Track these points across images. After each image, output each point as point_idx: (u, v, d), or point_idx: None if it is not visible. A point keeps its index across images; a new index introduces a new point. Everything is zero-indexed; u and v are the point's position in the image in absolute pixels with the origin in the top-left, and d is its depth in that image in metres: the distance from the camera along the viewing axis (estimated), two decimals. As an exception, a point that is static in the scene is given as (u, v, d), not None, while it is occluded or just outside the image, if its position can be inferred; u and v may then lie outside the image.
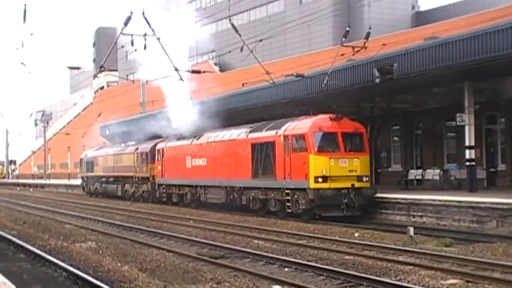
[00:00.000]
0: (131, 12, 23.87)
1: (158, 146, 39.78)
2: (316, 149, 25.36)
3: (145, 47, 24.64)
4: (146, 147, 42.15)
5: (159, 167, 39.23)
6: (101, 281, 13.31)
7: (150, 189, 41.07)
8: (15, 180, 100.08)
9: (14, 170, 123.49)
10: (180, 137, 37.49)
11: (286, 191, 26.58)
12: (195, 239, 21.18)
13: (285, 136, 26.78)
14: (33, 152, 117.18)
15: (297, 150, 26.06)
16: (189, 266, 15.62)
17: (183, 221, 28.08)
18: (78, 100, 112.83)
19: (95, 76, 26.09)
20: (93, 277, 13.84)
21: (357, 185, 25.53)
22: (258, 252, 17.58)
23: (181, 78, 26.56)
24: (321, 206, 25.22)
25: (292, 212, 26.37)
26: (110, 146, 52.63)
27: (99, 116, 61.60)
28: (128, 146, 46.22)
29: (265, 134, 28.51)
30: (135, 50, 25.07)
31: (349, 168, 25.59)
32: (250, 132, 29.92)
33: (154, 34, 24.09)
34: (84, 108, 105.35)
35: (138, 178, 43.01)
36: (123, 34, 24.85)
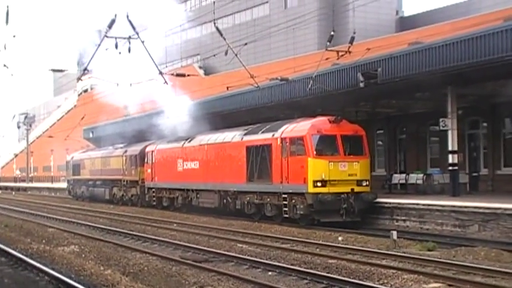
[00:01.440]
0: (115, 15, 23.90)
1: (148, 149, 38.90)
2: (315, 152, 24.62)
3: (129, 50, 24.62)
4: (135, 149, 41.28)
5: (149, 170, 38.32)
6: (83, 285, 13.26)
7: (139, 193, 40.18)
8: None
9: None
10: (170, 140, 36.69)
11: (283, 195, 25.79)
12: (179, 242, 21.16)
13: (282, 139, 26.05)
14: (16, 155, 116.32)
15: (294, 154, 25.33)
16: (173, 270, 15.59)
17: (166, 224, 28.05)
18: (61, 103, 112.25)
19: (78, 79, 25.99)
20: (75, 281, 13.76)
21: (357, 189, 24.85)
22: (242, 256, 17.60)
23: (165, 82, 26.54)
24: (319, 211, 24.49)
25: (290, 217, 25.56)
26: (98, 148, 51.73)
27: (82, 118, 60.83)
28: (116, 149, 45.25)
29: (261, 137, 27.77)
30: (119, 53, 25.02)
31: (348, 172, 24.90)
32: (245, 134, 29.12)
33: (138, 37, 24.08)
34: (68, 111, 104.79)
35: (127, 181, 42.10)
36: (107, 37, 24.80)
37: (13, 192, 74.68)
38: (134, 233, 24.66)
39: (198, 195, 32.94)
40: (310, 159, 24.51)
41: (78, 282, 13.56)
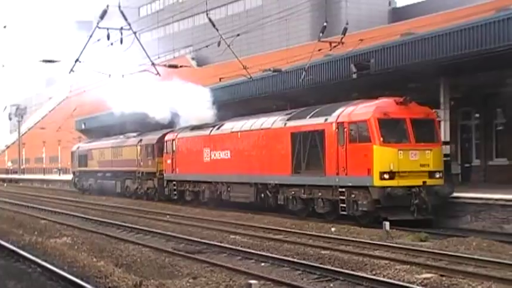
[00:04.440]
0: (107, 6, 23.90)
1: (167, 137, 34.98)
2: (381, 139, 20.74)
3: (121, 41, 24.60)
4: (152, 138, 37.45)
5: (169, 161, 34.32)
6: (76, 277, 13.19)
7: (157, 186, 36.34)
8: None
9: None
10: (194, 127, 33.18)
11: (340, 189, 21.97)
12: (172, 234, 21.14)
13: (338, 124, 22.05)
14: (7, 147, 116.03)
15: (355, 141, 21.44)
16: (166, 261, 15.60)
17: (159, 216, 28.02)
18: (53, 94, 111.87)
19: (70, 70, 25.93)
20: (68, 273, 13.73)
21: (429, 182, 20.94)
22: (235, 247, 17.60)
23: (158, 73, 26.51)
24: (387, 208, 20.66)
25: (348, 215, 21.84)
26: (106, 137, 47.05)
27: (74, 110, 60.31)
28: (129, 138, 41.47)
29: (310, 122, 23.84)
30: (111, 44, 24.98)
31: (420, 162, 21.07)
32: (289, 119, 25.33)
33: (130, 28, 24.05)
34: (60, 103, 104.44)
35: (142, 173, 38.22)
36: (99, 28, 24.75)
37: (5, 184, 74.43)
38: (127, 224, 24.62)
39: (229, 189, 28.93)
40: (376, 147, 20.68)
41: (71, 274, 13.51)
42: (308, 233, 20.42)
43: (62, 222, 26.16)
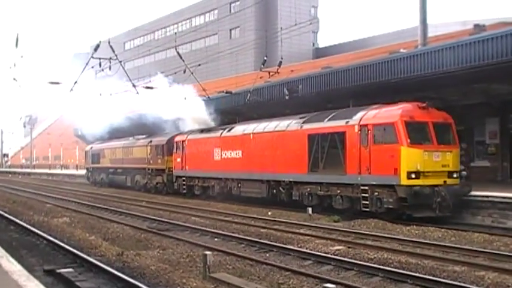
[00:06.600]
0: (100, 41, 23.70)
1: (177, 139, 31.48)
2: (409, 141, 17.57)
3: (110, 68, 24.38)
4: (162, 140, 34.09)
5: (178, 159, 30.76)
6: (73, 247, 13.15)
7: (166, 181, 33.05)
8: (7, 169, 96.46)
9: (7, 161, 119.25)
10: (204, 130, 29.71)
11: (363, 187, 18.71)
12: (147, 216, 20.91)
13: (361, 126, 18.79)
14: (22, 148, 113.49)
15: (381, 142, 18.17)
16: (142, 237, 15.44)
17: (137, 202, 27.63)
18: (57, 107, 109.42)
19: (71, 89, 25.53)
20: (67, 244, 13.67)
21: (449, 181, 18.00)
22: (195, 226, 17.46)
23: (137, 92, 26.25)
24: (412, 206, 17.52)
25: (370, 211, 18.39)
26: (116, 139, 42.59)
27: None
28: (139, 140, 38.07)
29: (328, 125, 20.53)
30: (102, 70, 24.66)
31: (442, 162, 18.04)
32: (305, 122, 22.00)
33: (117, 58, 23.80)
34: (62, 114, 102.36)
35: (152, 170, 34.85)
36: (93, 58, 24.46)
37: (19, 176, 72.63)
38: (112, 208, 24.25)
39: (239, 185, 25.64)
40: (403, 148, 17.50)
41: (69, 245, 13.44)
42: (250, 216, 20.36)
43: (63, 206, 25.59)
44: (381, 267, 10.79)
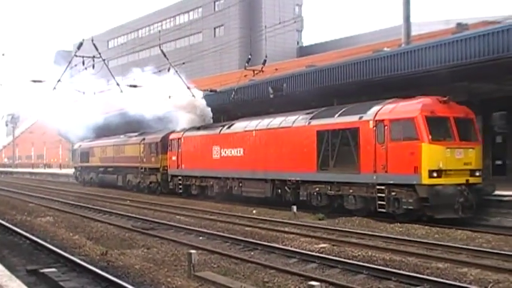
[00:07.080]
0: (83, 39, 23.51)
1: (172, 136, 29.79)
2: (430, 137, 16.16)
3: (93, 67, 24.16)
4: (156, 137, 32.17)
5: (174, 158, 29.10)
6: (56, 247, 13.03)
7: (160, 180, 31.26)
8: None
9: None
10: (201, 127, 28.20)
11: (378, 186, 17.20)
12: (131, 215, 20.79)
13: (377, 121, 17.30)
14: (4, 146, 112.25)
15: (399, 138, 16.68)
16: (126, 236, 15.36)
17: (121, 201, 27.48)
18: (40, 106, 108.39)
19: (53, 88, 25.20)
20: (50, 244, 13.53)
21: (471, 180, 16.62)
22: (179, 225, 17.41)
23: (121, 91, 26.06)
24: (434, 206, 16.09)
25: (387, 212, 17.01)
26: (106, 137, 40.64)
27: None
28: (131, 137, 36.12)
29: (340, 120, 18.92)
30: (85, 69, 24.46)
31: (464, 160, 16.62)
32: (313, 118, 20.44)
33: (100, 57, 23.62)
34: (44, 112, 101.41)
35: (145, 169, 33.02)
36: (76, 56, 24.24)
37: (1, 175, 71.78)
38: (96, 207, 24.08)
39: (241, 184, 24.03)
40: (424, 145, 16.09)
41: (53, 245, 13.31)
42: (235, 214, 20.33)
43: (46, 205, 25.35)
44: (365, 264, 10.84)
